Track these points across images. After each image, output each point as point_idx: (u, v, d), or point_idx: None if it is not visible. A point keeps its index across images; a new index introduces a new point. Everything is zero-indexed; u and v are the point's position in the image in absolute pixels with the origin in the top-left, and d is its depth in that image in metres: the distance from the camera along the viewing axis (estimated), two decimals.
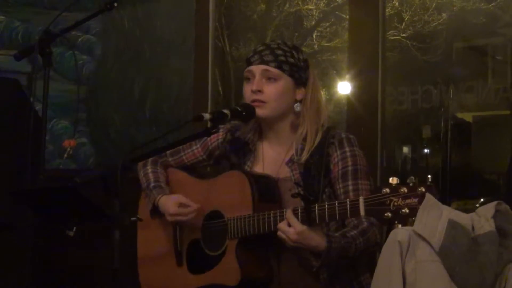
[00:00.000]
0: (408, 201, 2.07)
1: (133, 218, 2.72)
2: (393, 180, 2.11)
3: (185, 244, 2.66)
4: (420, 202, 2.06)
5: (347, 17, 3.81)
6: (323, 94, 2.65)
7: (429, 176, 2.10)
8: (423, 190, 2.06)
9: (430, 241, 2.19)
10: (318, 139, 2.52)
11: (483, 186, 4.04)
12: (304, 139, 2.53)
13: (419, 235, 2.21)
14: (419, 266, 2.18)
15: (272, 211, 2.36)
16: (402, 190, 2.08)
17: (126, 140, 4.62)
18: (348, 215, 2.21)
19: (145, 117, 4.61)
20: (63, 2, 4.38)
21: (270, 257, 2.47)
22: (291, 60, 2.52)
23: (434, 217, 2.21)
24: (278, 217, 2.34)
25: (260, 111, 2.52)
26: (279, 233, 2.32)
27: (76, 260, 3.85)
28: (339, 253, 2.33)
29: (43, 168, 3.02)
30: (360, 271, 2.52)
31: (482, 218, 2.26)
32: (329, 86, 4.48)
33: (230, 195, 2.52)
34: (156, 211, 2.68)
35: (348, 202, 2.20)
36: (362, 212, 2.16)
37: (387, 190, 2.10)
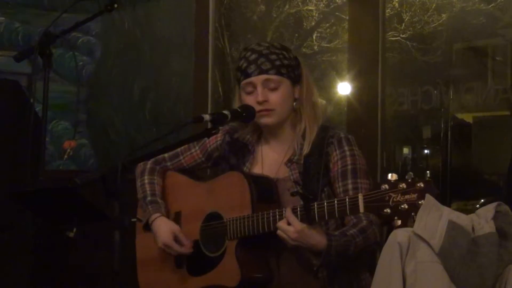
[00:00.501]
0: (407, 196, 2.07)
1: (133, 219, 2.72)
2: (392, 177, 2.11)
3: None
4: (419, 197, 2.05)
5: (347, 18, 3.80)
6: (316, 92, 2.64)
7: (427, 171, 2.10)
8: (422, 185, 2.06)
9: (430, 242, 2.19)
10: (315, 133, 2.53)
11: (483, 187, 4.04)
12: (303, 136, 2.54)
13: (419, 236, 2.21)
14: (419, 267, 2.18)
15: (271, 211, 2.36)
16: (401, 186, 2.08)
17: (126, 141, 4.63)
18: (348, 212, 2.21)
19: (145, 118, 4.61)
20: (63, 3, 4.39)
21: (270, 257, 2.46)
22: (286, 61, 2.52)
23: (434, 218, 2.21)
24: (277, 216, 2.34)
25: (268, 120, 2.52)
26: (278, 231, 2.32)
27: (76, 261, 3.84)
28: (339, 251, 2.33)
29: (43, 169, 3.03)
30: (359, 271, 2.52)
31: (482, 219, 2.26)
32: (329, 87, 4.48)
33: (229, 196, 2.51)
34: (147, 227, 2.68)
35: (347, 199, 2.20)
36: (361, 209, 2.16)
37: (386, 186, 2.10)
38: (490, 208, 2.27)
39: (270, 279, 2.45)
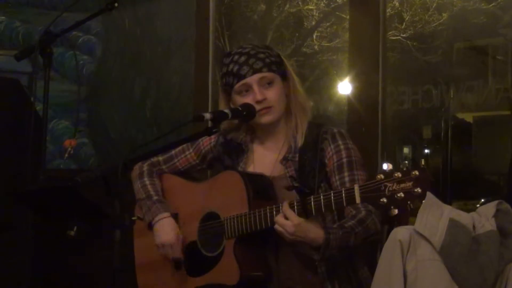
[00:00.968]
0: (402, 185, 2.07)
1: (134, 218, 2.72)
2: (387, 167, 2.12)
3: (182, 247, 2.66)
4: (414, 185, 2.05)
5: (348, 17, 3.81)
6: (301, 86, 2.65)
7: (422, 159, 2.11)
8: (417, 173, 2.06)
9: (431, 240, 2.19)
10: (306, 126, 2.54)
11: (484, 187, 4.04)
12: (295, 130, 2.55)
13: (420, 234, 2.21)
14: (420, 265, 2.19)
15: (268, 207, 2.36)
16: (396, 175, 2.09)
17: (126, 140, 4.63)
18: (344, 204, 2.21)
19: (146, 117, 4.61)
20: (64, 2, 4.39)
21: (268, 254, 2.46)
22: (273, 59, 2.54)
23: (435, 216, 2.21)
24: (274, 212, 2.34)
25: (269, 118, 2.53)
26: (276, 226, 2.32)
27: (76, 260, 3.84)
28: (339, 244, 2.33)
29: (44, 168, 3.02)
30: (358, 265, 2.52)
31: (483, 217, 2.26)
32: (330, 87, 4.48)
33: (225, 195, 2.51)
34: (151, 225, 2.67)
35: (343, 190, 2.20)
36: (357, 200, 2.16)
37: (381, 176, 2.11)
38: (491, 206, 2.28)
39: (270, 276, 2.45)
